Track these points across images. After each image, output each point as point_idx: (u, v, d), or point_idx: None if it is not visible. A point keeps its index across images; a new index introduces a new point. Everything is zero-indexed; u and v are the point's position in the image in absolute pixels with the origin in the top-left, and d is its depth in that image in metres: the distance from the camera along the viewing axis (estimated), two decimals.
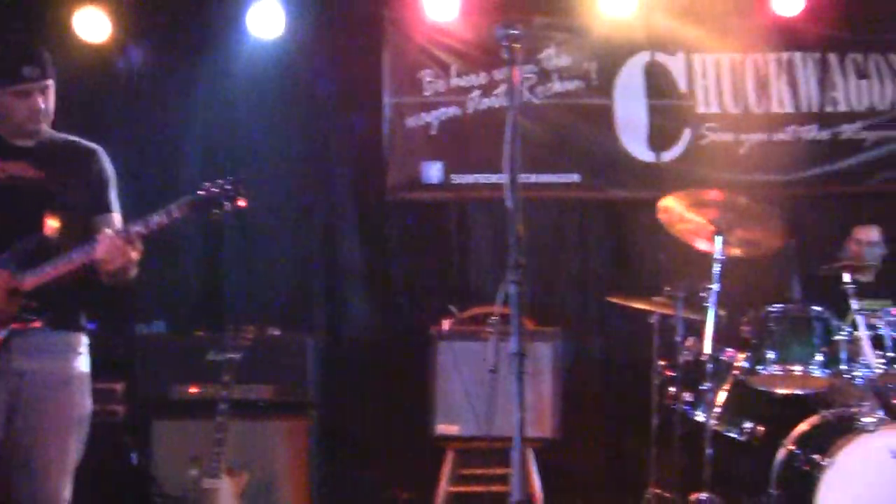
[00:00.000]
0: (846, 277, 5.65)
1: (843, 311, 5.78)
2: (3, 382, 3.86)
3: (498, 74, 7.56)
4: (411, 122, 7.69)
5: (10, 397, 3.86)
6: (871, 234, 6.83)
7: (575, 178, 7.64)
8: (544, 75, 7.63)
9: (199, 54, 7.67)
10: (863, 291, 5.79)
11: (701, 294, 5.95)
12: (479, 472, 6.63)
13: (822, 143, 7.56)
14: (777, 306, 5.91)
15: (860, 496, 5.27)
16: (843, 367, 5.67)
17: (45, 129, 4.10)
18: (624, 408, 7.18)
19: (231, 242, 7.68)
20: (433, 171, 7.68)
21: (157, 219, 3.85)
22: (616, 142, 7.64)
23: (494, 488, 6.43)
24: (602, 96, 7.65)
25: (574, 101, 7.66)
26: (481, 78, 7.63)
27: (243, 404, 6.37)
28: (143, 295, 7.06)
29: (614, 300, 6.66)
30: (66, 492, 3.96)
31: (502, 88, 7.53)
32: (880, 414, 5.43)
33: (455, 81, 7.67)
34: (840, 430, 5.49)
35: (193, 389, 6.59)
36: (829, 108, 7.57)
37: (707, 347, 5.78)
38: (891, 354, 5.52)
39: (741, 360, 5.99)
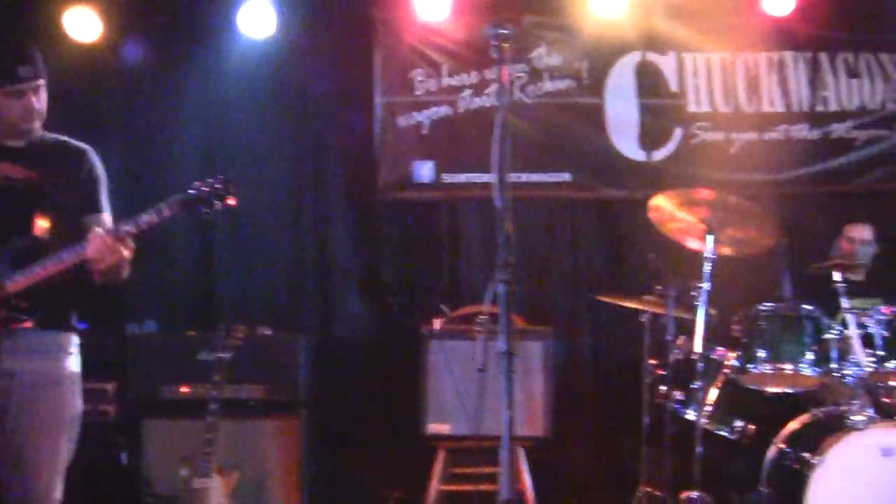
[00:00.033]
0: (836, 276, 5.66)
1: (833, 310, 5.79)
2: None
3: (489, 74, 7.57)
4: (403, 121, 7.69)
5: (1, 398, 3.86)
6: (864, 232, 6.84)
7: (566, 177, 7.64)
8: (535, 74, 7.63)
9: (190, 54, 7.68)
10: (854, 290, 5.80)
11: (692, 293, 5.95)
12: (470, 471, 6.63)
13: (812, 142, 7.58)
14: (768, 305, 5.91)
15: (850, 494, 5.27)
16: (833, 365, 5.68)
17: (38, 128, 4.11)
18: (615, 406, 7.18)
19: (222, 242, 7.68)
20: (424, 171, 7.68)
21: (148, 218, 3.85)
22: (607, 141, 7.64)
23: (485, 487, 6.45)
24: (593, 95, 7.66)
25: (565, 100, 7.66)
26: (472, 77, 7.64)
27: (234, 404, 6.37)
28: (134, 295, 7.05)
29: (606, 299, 6.66)
30: (58, 492, 3.96)
31: (493, 88, 7.53)
32: (870, 412, 5.43)
33: (446, 81, 7.67)
34: (830, 429, 5.50)
35: (184, 389, 6.58)
36: (819, 108, 7.59)
37: (698, 346, 5.78)
38: (881, 353, 5.52)
39: (732, 358, 5.98)
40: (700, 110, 7.63)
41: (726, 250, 6.06)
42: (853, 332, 5.54)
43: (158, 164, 7.55)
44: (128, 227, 3.85)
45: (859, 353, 5.51)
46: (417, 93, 7.69)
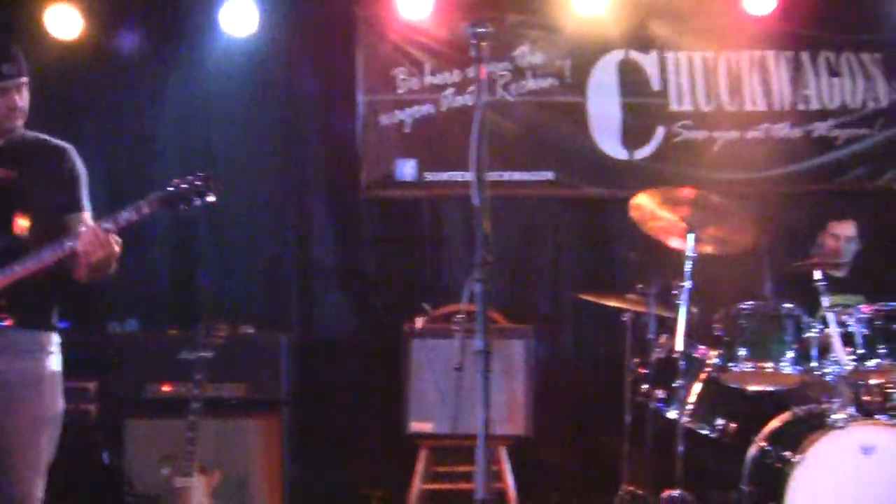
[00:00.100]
0: (817, 274, 5.67)
1: (814, 308, 5.80)
2: None
3: (471, 72, 7.44)
4: (385, 119, 7.68)
5: None
6: (848, 229, 6.81)
7: (548, 175, 7.63)
8: (518, 73, 7.63)
9: (171, 52, 7.66)
10: (837, 286, 5.82)
11: (673, 291, 5.98)
12: (452, 469, 6.62)
13: (794, 140, 7.59)
14: (749, 303, 5.92)
15: (831, 492, 5.30)
16: (814, 363, 5.69)
17: (19, 127, 4.09)
18: (597, 405, 7.18)
19: (204, 240, 7.67)
20: (407, 169, 7.67)
21: (127, 215, 3.84)
22: (589, 139, 7.64)
23: (468, 486, 6.42)
24: (575, 94, 7.65)
25: (548, 98, 7.66)
26: (455, 76, 7.63)
27: (216, 403, 6.34)
28: (115, 293, 7.04)
29: (587, 297, 6.66)
30: (39, 491, 3.94)
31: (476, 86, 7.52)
32: (851, 410, 5.45)
33: (429, 79, 7.67)
34: (811, 427, 5.52)
35: (166, 388, 6.56)
36: (801, 107, 7.60)
37: (679, 344, 5.79)
38: (861, 351, 5.54)
39: (713, 357, 5.99)
40: (682, 109, 7.63)
41: (707, 249, 6.08)
42: (834, 330, 5.56)
43: (139, 162, 7.52)
44: (107, 225, 3.83)
45: (840, 352, 5.52)
46: (400, 91, 7.68)
